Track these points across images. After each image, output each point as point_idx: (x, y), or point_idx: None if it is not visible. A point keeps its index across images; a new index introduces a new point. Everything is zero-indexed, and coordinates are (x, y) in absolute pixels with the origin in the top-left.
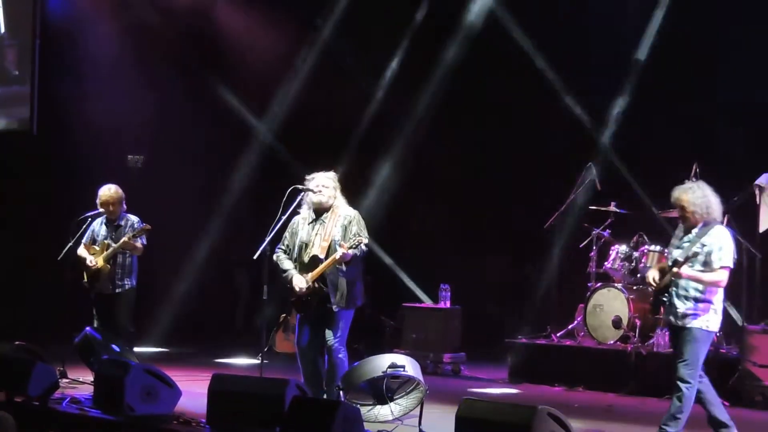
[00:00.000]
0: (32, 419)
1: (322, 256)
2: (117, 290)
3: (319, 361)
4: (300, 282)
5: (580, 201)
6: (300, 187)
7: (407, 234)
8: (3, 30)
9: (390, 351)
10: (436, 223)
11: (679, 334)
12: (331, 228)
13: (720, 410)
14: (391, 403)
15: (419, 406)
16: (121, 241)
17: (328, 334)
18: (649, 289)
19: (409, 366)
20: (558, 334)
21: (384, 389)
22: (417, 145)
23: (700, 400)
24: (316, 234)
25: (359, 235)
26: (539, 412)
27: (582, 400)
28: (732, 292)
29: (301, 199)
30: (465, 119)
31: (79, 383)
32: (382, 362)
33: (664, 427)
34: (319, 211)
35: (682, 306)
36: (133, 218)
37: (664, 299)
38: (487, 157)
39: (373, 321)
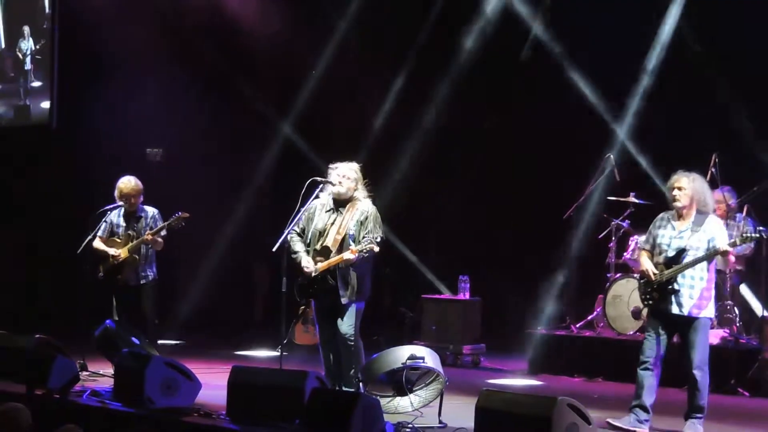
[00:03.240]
0: (52, 412)
1: (333, 248)
2: (142, 281)
3: (337, 353)
4: (306, 264)
5: (599, 192)
6: (318, 179)
7: (427, 225)
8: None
9: (409, 343)
10: (455, 214)
11: (684, 324)
12: (348, 221)
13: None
14: (411, 395)
15: (439, 398)
16: (156, 229)
17: (341, 325)
18: (643, 281)
19: (429, 357)
20: (577, 325)
21: (404, 381)
22: (437, 135)
23: (646, 384)
24: (332, 224)
25: (373, 234)
26: (559, 403)
27: (602, 390)
28: (752, 283)
29: (321, 191)
30: (484, 110)
31: (99, 376)
32: (402, 354)
33: (696, 418)
34: (339, 201)
35: (688, 296)
36: (153, 210)
37: (672, 289)
38: (506, 147)
39: (393, 312)
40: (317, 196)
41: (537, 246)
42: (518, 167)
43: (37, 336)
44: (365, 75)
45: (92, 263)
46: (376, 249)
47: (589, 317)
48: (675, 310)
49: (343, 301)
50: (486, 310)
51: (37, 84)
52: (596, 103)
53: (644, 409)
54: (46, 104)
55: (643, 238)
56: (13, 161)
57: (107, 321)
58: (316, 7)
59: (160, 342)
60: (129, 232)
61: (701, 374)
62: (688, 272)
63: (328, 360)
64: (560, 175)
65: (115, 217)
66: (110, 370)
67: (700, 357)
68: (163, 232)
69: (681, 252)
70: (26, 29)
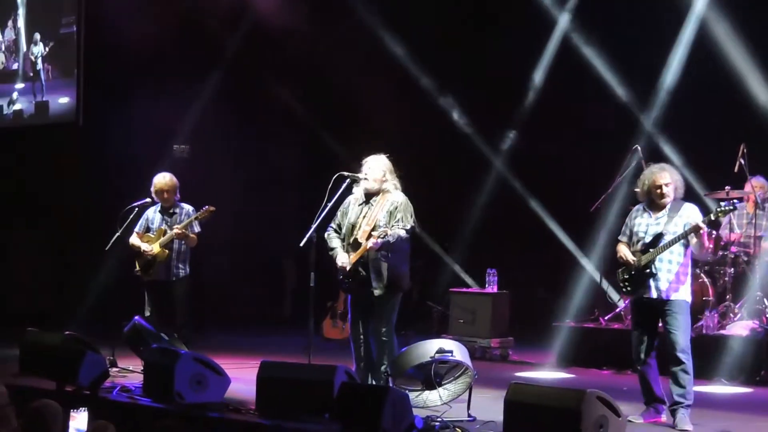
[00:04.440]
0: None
1: (362, 240)
2: (173, 278)
3: (369, 347)
4: (342, 259)
5: (626, 184)
6: (345, 173)
7: (454, 219)
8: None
9: (438, 336)
10: (482, 208)
11: (663, 308)
12: (377, 212)
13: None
14: (440, 389)
15: (468, 391)
16: (184, 223)
17: (375, 319)
18: (621, 269)
19: (457, 351)
20: (606, 318)
21: (432, 374)
22: (462, 128)
23: (649, 379)
24: (363, 216)
25: (402, 222)
26: (588, 396)
27: (631, 383)
28: None
29: (351, 185)
30: (509, 102)
31: (128, 372)
32: (430, 347)
33: (685, 407)
34: (369, 194)
35: (666, 279)
36: (188, 207)
37: (650, 272)
38: (533, 140)
39: (421, 306)
40: (350, 191)
41: (565, 238)
42: (545, 161)
43: (67, 332)
44: (392, 70)
45: (128, 259)
46: (404, 234)
47: (618, 309)
48: (653, 294)
49: (376, 293)
50: (514, 303)
51: (55, 83)
52: (623, 94)
53: (659, 400)
54: (64, 100)
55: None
56: (40, 160)
57: (136, 317)
58: (342, 2)
59: (192, 340)
60: (162, 227)
61: (686, 357)
62: (665, 256)
63: (360, 354)
64: (588, 167)
65: (152, 212)
66: (140, 366)
67: (683, 339)
68: (197, 228)
69: (658, 237)
70: (37, 35)
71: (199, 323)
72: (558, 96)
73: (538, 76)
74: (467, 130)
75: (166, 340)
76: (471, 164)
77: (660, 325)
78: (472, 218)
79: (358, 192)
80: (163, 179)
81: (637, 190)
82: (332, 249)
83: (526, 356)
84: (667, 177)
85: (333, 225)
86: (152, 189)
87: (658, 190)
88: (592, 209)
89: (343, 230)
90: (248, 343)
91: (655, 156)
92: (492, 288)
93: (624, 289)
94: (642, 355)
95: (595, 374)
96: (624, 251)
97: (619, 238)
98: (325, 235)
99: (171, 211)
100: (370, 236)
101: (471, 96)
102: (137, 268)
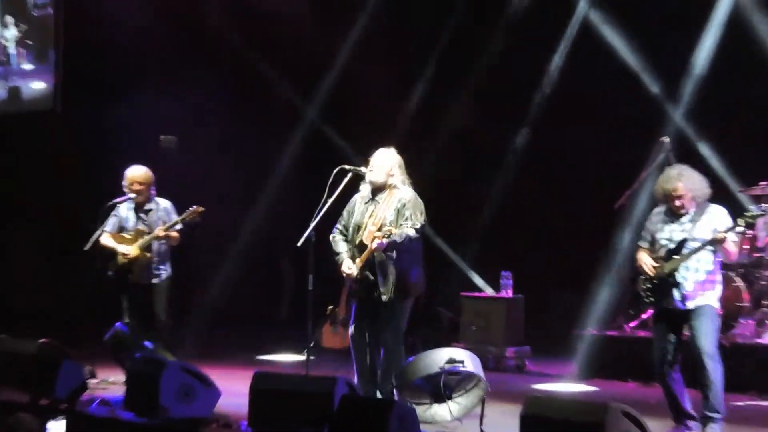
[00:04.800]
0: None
1: (368, 242)
2: (154, 280)
3: (375, 356)
4: (348, 266)
5: (653, 179)
6: (347, 167)
7: (464, 217)
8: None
9: (448, 345)
10: (495, 206)
11: (689, 316)
12: (384, 210)
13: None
14: (450, 402)
15: (480, 405)
16: (168, 224)
17: (381, 326)
18: (642, 278)
19: (469, 361)
20: (631, 325)
21: (441, 387)
22: (474, 122)
23: (674, 393)
24: (369, 216)
25: (411, 221)
26: (612, 410)
27: (659, 396)
28: None
29: (357, 181)
30: (527, 94)
31: (109, 384)
32: (439, 357)
33: (714, 421)
34: (376, 190)
35: (692, 289)
36: (165, 202)
37: (674, 282)
38: (550, 132)
39: (429, 312)
40: (356, 189)
41: (586, 239)
42: (564, 154)
43: (42, 340)
44: (397, 58)
45: (101, 261)
46: (413, 234)
47: (644, 316)
48: (678, 304)
49: (383, 298)
50: (531, 309)
51: (28, 67)
52: (650, 81)
53: (688, 416)
54: (39, 85)
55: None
56: (16, 150)
57: (118, 323)
58: None
59: (175, 345)
60: (139, 226)
61: (713, 364)
62: (690, 263)
63: (363, 364)
64: (611, 160)
65: (125, 210)
66: (121, 377)
67: (709, 344)
68: (178, 227)
69: (682, 243)
70: (8, 18)
71: (187, 328)
72: (577, 84)
73: (556, 63)
74: (479, 121)
75: (151, 349)
76: (483, 157)
77: (685, 333)
78: (484, 216)
79: (364, 189)
80: (137, 172)
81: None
82: (337, 254)
83: (544, 367)
84: (680, 188)
85: (339, 226)
86: (125, 183)
87: (674, 202)
88: (617, 207)
89: (350, 231)
90: (241, 351)
91: (685, 149)
92: (507, 292)
93: (646, 299)
94: (665, 368)
95: (619, 387)
96: (645, 259)
97: (640, 243)
98: (331, 237)
99: (146, 207)
100: (375, 237)
101: (483, 87)
102: (110, 270)
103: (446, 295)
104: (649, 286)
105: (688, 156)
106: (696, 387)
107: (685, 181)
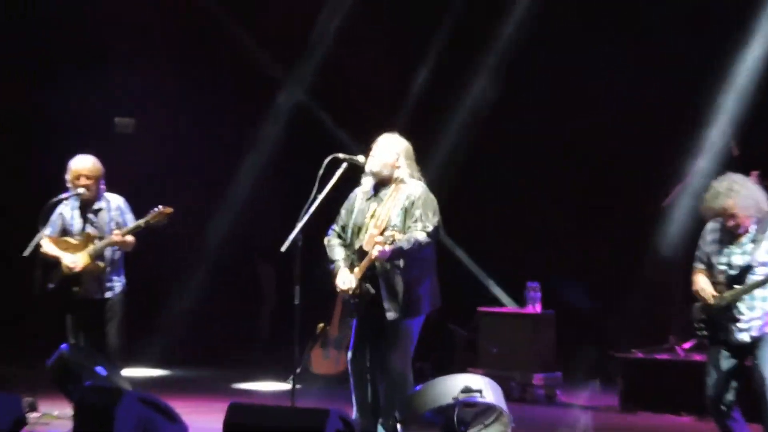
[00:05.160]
0: None
1: (368, 248)
2: (107, 294)
3: (376, 385)
4: (344, 279)
5: (708, 170)
6: (341, 155)
7: (482, 218)
8: None
9: (463, 371)
10: (518, 204)
11: (751, 347)
12: (389, 210)
13: None
14: None
15: None
16: (128, 228)
17: (386, 348)
18: (699, 305)
19: (488, 390)
20: (684, 346)
21: (455, 421)
22: (492, 106)
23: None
24: (371, 216)
25: (422, 222)
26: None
27: None
28: None
29: (358, 175)
30: (558, 72)
31: (53, 418)
32: (453, 385)
33: None
34: (379, 185)
35: (755, 322)
36: (117, 199)
37: (734, 315)
38: (584, 116)
39: (441, 331)
40: (357, 182)
41: (628, 241)
42: (600, 142)
43: None
44: (402, 25)
45: (43, 271)
46: (423, 239)
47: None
48: (740, 337)
49: (389, 316)
50: (562, 327)
51: None
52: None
53: None
54: None
55: None
56: None
57: (63, 346)
58: None
59: (131, 372)
60: (87, 230)
61: None
62: (757, 292)
63: (363, 394)
64: (659, 151)
65: (68, 209)
66: (68, 411)
67: None
68: (130, 236)
69: (745, 270)
70: None
71: (148, 350)
72: (611, 64)
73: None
74: (500, 106)
75: (104, 376)
76: (506, 144)
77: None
78: (506, 215)
79: (366, 183)
80: (83, 162)
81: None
82: (333, 263)
83: (580, 397)
84: (732, 206)
85: (336, 227)
86: (68, 177)
87: (727, 221)
88: (666, 203)
89: (348, 235)
90: (213, 378)
91: (749, 134)
92: (534, 307)
93: (699, 332)
94: (721, 405)
95: (670, 421)
96: (703, 284)
97: (695, 265)
98: (326, 241)
99: (95, 207)
100: (375, 243)
101: (509, 66)
102: (51, 283)
103: (461, 310)
104: (704, 317)
105: (754, 142)
106: (757, 421)
107: (737, 197)
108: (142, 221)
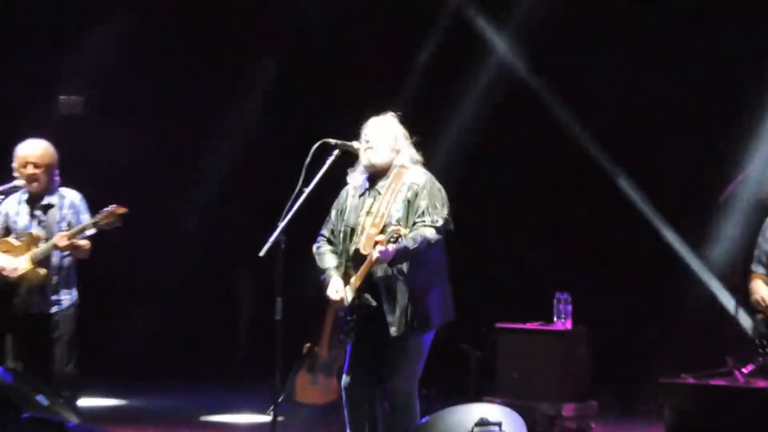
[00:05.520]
0: None
1: (366, 250)
2: (53, 308)
3: (376, 411)
4: (336, 288)
5: None
6: (332, 141)
7: (500, 215)
8: None
9: (478, 399)
10: (541, 202)
11: None
12: (388, 204)
13: None
14: None
15: None
16: (73, 231)
17: (387, 370)
18: (760, 317)
19: (509, 423)
20: (745, 370)
21: None
22: (510, 84)
23: None
24: (368, 213)
25: (430, 216)
26: None
27: None
28: None
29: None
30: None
31: None
32: (467, 417)
33: None
34: (375, 176)
35: None
36: (73, 195)
37: None
38: (619, 100)
39: (451, 351)
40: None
41: (673, 246)
42: (638, 131)
43: None
44: None
45: None
46: (432, 237)
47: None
48: None
49: (393, 332)
50: (598, 347)
51: None
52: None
53: None
54: None
55: None
56: None
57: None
58: None
59: (81, 402)
60: (33, 229)
61: None
62: None
63: (360, 427)
64: (712, 133)
65: (14, 205)
66: None
67: None
68: (88, 232)
69: None
70: None
71: (98, 378)
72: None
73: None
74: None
75: (46, 406)
76: (529, 132)
77: None
78: (530, 215)
79: (357, 177)
80: (31, 147)
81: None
82: (324, 271)
83: (618, 431)
84: None
85: (325, 232)
86: (14, 165)
87: None
88: (722, 199)
89: (338, 239)
90: (177, 409)
91: None
92: (564, 323)
93: (763, 351)
94: None
95: None
96: (764, 292)
97: (754, 268)
98: (314, 248)
99: (45, 202)
100: (376, 243)
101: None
102: None
103: (475, 326)
104: (766, 331)
105: None
106: None
107: None
108: (89, 222)
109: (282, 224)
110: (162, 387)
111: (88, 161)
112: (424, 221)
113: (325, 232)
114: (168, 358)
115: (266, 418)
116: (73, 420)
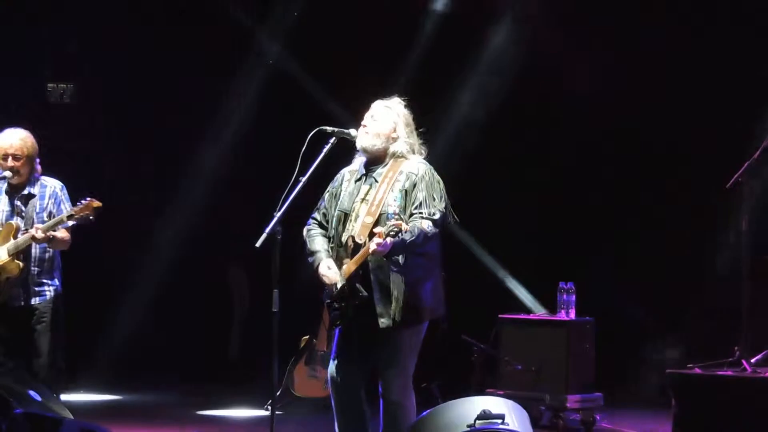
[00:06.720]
0: None
1: (361, 239)
2: (34, 300)
3: (368, 411)
4: (329, 271)
5: None
6: (328, 128)
7: (501, 206)
8: None
9: (479, 392)
10: (544, 189)
11: None
12: (385, 192)
13: None
14: None
15: None
16: (49, 223)
17: (380, 364)
18: None
19: (512, 416)
20: (753, 360)
21: None
22: (521, 66)
23: None
24: (363, 200)
25: (427, 208)
26: None
27: None
28: None
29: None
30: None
31: None
32: (468, 411)
33: None
34: (372, 162)
35: None
36: (55, 184)
37: None
38: (632, 84)
39: (451, 343)
40: (347, 161)
41: (680, 232)
42: (648, 118)
43: None
44: None
45: None
46: (429, 229)
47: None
48: None
49: (383, 323)
50: (603, 338)
51: None
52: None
53: None
54: None
55: None
56: None
57: None
58: None
59: (70, 397)
60: (13, 220)
61: None
62: None
63: (349, 423)
64: (718, 126)
65: None
66: None
67: None
68: (66, 224)
69: None
70: None
71: (89, 373)
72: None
73: None
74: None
75: (39, 401)
76: (532, 117)
77: None
78: (532, 201)
79: (355, 162)
80: (11, 136)
81: None
82: (313, 254)
83: (625, 423)
84: None
85: (316, 215)
86: None
87: None
88: (729, 186)
89: (331, 223)
90: (172, 404)
91: None
92: (567, 313)
93: None
94: None
95: None
96: None
97: None
98: (305, 231)
99: (26, 191)
100: (373, 234)
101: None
102: None
103: (477, 317)
104: None
105: None
106: None
107: None
108: (64, 215)
109: (278, 215)
110: (156, 381)
111: (77, 153)
112: (421, 213)
113: (317, 215)
114: (161, 352)
115: (263, 413)
116: (66, 415)
